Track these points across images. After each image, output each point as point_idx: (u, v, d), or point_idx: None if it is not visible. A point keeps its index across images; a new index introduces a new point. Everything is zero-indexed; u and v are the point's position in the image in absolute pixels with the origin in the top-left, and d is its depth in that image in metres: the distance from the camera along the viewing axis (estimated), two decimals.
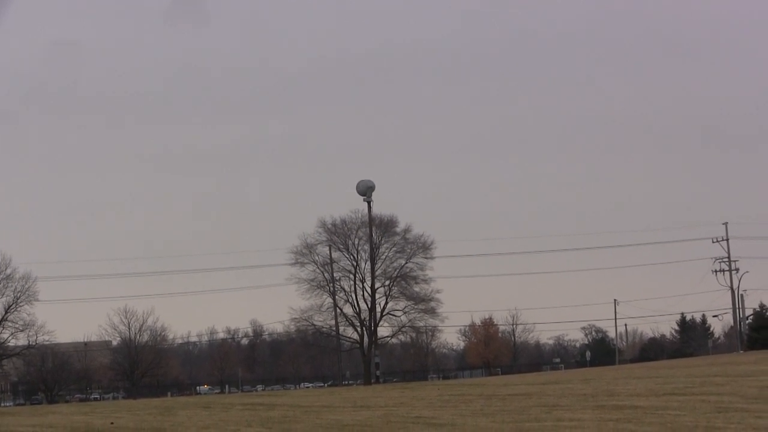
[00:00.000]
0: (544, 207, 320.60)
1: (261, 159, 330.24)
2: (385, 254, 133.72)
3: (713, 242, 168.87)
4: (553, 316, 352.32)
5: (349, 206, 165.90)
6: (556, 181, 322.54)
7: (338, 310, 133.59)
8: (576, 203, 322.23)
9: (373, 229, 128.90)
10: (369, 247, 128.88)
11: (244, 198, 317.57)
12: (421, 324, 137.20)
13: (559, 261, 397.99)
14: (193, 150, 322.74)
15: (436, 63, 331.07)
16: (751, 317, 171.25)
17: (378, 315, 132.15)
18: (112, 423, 43.52)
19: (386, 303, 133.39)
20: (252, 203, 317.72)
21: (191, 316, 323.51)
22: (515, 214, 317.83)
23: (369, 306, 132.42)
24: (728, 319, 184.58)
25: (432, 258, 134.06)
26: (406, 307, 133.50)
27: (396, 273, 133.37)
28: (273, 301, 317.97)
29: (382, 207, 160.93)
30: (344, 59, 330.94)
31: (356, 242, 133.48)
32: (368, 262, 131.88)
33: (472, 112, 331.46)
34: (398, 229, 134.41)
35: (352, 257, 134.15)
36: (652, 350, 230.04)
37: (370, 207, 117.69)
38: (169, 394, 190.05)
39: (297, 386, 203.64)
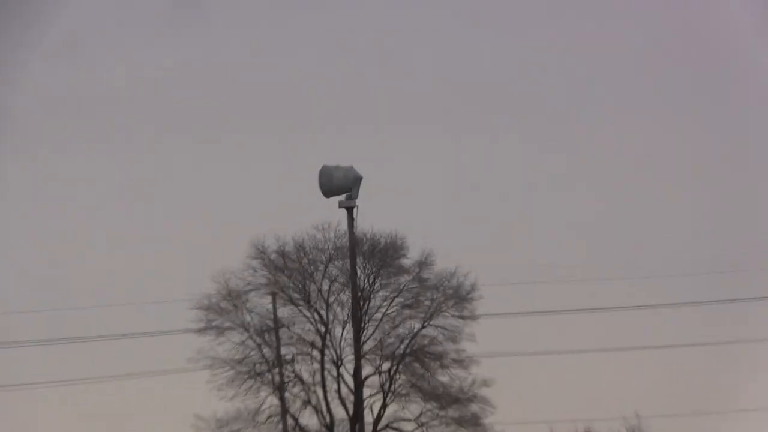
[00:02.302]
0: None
1: None
2: (383, 309, 70.48)
3: None
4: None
5: (312, 215, 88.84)
6: None
7: (292, 422, 69.64)
8: None
9: (360, 260, 65.29)
10: (351, 294, 63.21)
11: None
12: None
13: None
14: None
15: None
16: None
17: (369, 430, 68.35)
18: None
19: (384, 405, 69.81)
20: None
21: None
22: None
23: (351, 412, 68.52)
24: None
25: (473, 317, 70.59)
26: (422, 413, 69.90)
27: (404, 347, 69.84)
28: (162, 404, 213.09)
29: (374, 218, 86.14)
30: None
31: (325, 286, 69.90)
32: (349, 326, 69.01)
33: None
34: (407, 261, 70.67)
35: (317, 316, 70.23)
36: None
37: (351, 218, 48.48)
38: None
39: None
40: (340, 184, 47.78)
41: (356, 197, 46.73)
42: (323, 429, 69.38)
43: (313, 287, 68.80)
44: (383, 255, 68.59)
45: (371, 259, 67.84)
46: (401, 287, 69.34)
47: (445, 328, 69.51)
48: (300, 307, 69.11)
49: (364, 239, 66.95)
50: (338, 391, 69.32)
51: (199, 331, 69.01)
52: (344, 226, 56.74)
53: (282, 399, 69.00)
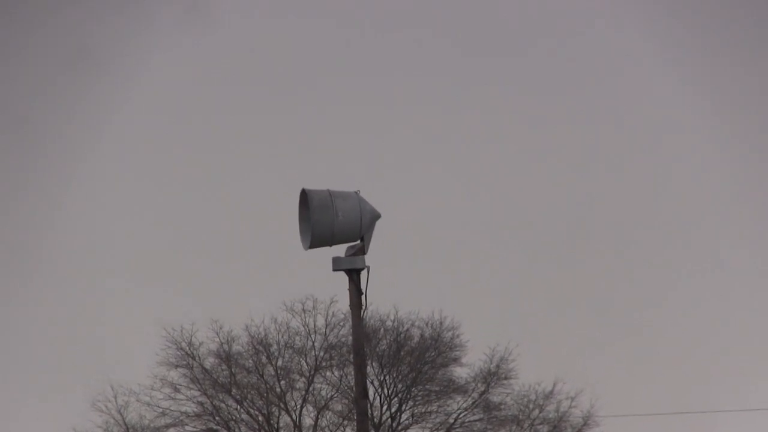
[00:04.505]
0: None
1: None
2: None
3: None
4: None
5: (283, 284, 56.82)
6: None
7: None
8: None
9: (375, 368, 40.82)
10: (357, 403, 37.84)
11: None
12: None
13: None
14: None
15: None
16: None
17: None
18: None
19: None
20: None
21: None
22: None
23: None
24: None
25: None
26: None
27: None
28: None
29: (394, 288, 57.81)
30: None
31: (308, 418, 44.52)
32: None
33: None
34: (463, 372, 46.05)
35: None
36: None
37: (358, 289, 22.52)
38: None
39: None
40: (343, 227, 22.61)
41: (367, 250, 21.31)
42: None
43: (284, 420, 42.60)
44: (418, 360, 42.94)
45: (396, 368, 41.91)
46: (452, 420, 43.01)
47: None
48: None
49: (382, 330, 41.54)
50: None
51: None
52: (343, 303, 32.43)
53: None
